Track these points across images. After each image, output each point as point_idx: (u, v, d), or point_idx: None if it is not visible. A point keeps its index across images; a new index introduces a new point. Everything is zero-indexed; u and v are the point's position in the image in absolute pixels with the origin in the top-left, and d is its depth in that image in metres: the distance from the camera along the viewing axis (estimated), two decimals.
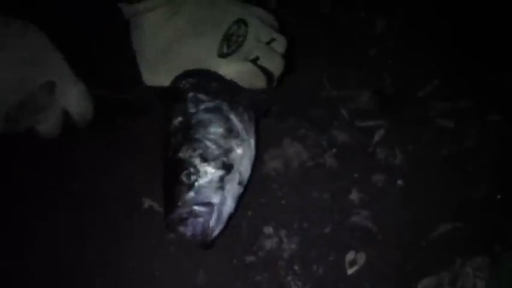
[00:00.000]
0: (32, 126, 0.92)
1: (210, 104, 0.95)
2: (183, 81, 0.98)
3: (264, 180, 1.04)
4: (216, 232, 0.91)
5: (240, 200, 0.96)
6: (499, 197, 0.99)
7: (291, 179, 1.04)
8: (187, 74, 0.98)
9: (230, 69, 0.97)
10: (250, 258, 0.97)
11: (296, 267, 0.96)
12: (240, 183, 0.94)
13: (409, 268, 0.94)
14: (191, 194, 0.90)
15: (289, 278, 0.95)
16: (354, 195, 1.01)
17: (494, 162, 1.03)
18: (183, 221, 0.90)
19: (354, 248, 0.96)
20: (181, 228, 0.90)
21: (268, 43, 1.00)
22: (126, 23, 1.01)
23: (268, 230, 0.99)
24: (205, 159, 0.92)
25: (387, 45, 1.20)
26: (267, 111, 1.06)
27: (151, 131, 1.06)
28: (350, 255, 0.96)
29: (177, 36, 0.98)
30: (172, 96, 0.98)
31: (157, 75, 1.00)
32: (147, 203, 1.03)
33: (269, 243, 0.98)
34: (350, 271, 0.94)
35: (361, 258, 0.95)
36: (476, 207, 0.99)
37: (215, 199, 0.91)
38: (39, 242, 1.01)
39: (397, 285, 0.93)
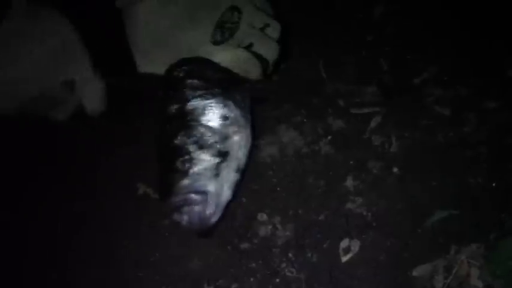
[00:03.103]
0: (45, 114, 0.93)
1: (206, 91, 0.95)
2: (179, 69, 0.98)
3: (259, 167, 1.04)
4: (214, 219, 0.92)
5: (238, 187, 0.96)
6: (494, 185, 0.98)
7: (286, 166, 1.04)
8: (182, 62, 0.98)
9: (224, 57, 0.98)
10: (244, 245, 0.97)
11: (290, 254, 0.95)
12: (237, 170, 0.94)
13: (404, 255, 0.93)
14: (186, 181, 0.90)
15: (284, 265, 0.94)
16: (349, 182, 1.01)
17: (491, 149, 1.02)
18: (179, 208, 0.90)
19: (349, 235, 0.96)
20: (178, 216, 0.90)
21: (262, 29, 0.99)
22: (119, 12, 1.01)
23: (263, 217, 0.99)
24: (200, 146, 0.92)
25: (384, 32, 1.20)
26: (263, 99, 1.06)
27: (148, 118, 1.06)
28: (344, 243, 0.95)
29: (171, 25, 0.98)
30: (168, 83, 0.98)
31: (152, 64, 1.00)
32: (142, 189, 1.03)
33: (263, 230, 0.98)
34: (344, 258, 0.94)
35: (356, 245, 0.95)
36: (473, 195, 0.98)
37: (211, 187, 0.91)
38: (31, 226, 1.01)
39: (392, 272, 0.92)
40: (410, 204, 0.98)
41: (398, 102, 1.09)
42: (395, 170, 1.02)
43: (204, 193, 0.90)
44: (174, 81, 0.97)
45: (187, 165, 0.91)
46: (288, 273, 0.94)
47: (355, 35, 1.18)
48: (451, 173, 1.00)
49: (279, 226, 0.98)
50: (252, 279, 0.94)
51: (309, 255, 0.95)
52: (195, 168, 0.91)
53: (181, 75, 0.97)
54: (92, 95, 0.96)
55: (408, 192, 0.99)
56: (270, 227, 0.98)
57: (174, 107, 0.95)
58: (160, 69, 0.99)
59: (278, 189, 1.02)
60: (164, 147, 0.94)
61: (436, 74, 1.12)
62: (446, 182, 1.00)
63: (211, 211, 0.90)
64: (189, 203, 0.89)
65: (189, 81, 0.96)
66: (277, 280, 0.93)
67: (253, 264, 0.95)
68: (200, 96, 0.94)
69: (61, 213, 1.02)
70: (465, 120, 1.06)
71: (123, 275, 0.96)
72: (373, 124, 1.07)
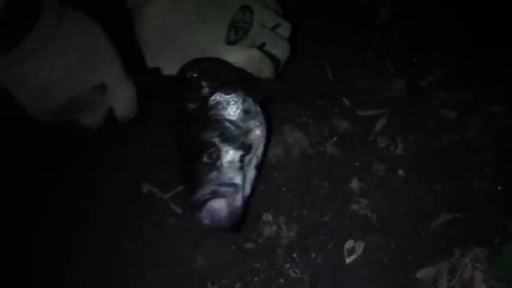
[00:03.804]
0: (76, 119, 0.94)
1: (225, 88, 0.94)
2: (192, 69, 0.97)
3: (265, 168, 1.03)
4: (242, 213, 0.89)
5: (256, 184, 0.95)
6: (499, 188, 0.98)
7: (291, 167, 1.04)
8: (195, 62, 0.97)
9: (238, 56, 0.97)
10: (248, 245, 0.97)
11: (294, 255, 0.95)
12: (256, 167, 0.93)
13: (408, 258, 0.93)
14: (214, 173, 0.89)
15: (288, 265, 0.95)
16: (354, 184, 1.01)
17: (496, 153, 1.02)
18: (206, 202, 0.87)
19: (353, 236, 0.96)
20: (204, 212, 0.87)
21: (273, 28, 1.00)
22: (129, 12, 1.01)
23: (268, 217, 0.99)
24: (225, 140, 0.91)
25: (390, 34, 1.20)
26: (273, 99, 1.07)
27: (155, 117, 1.07)
28: (349, 244, 0.95)
29: (182, 24, 0.97)
30: (182, 83, 0.98)
31: (163, 64, 0.99)
32: (146, 188, 1.03)
33: (268, 231, 0.98)
34: (348, 260, 0.94)
35: (360, 247, 0.95)
36: (477, 199, 0.98)
37: (238, 179, 0.89)
38: (36, 225, 1.01)
39: (395, 274, 0.92)
40: (414, 207, 0.98)
41: (404, 105, 1.09)
42: (400, 172, 1.02)
43: (233, 185, 0.88)
44: (188, 81, 0.96)
45: (214, 156, 0.89)
46: (292, 274, 0.94)
47: (362, 37, 1.19)
48: (456, 176, 1.00)
49: (283, 227, 0.98)
50: (256, 279, 0.94)
51: (313, 256, 0.95)
52: (222, 161, 0.90)
53: (195, 75, 0.96)
54: (123, 100, 0.95)
55: (413, 194, 0.99)
56: (274, 227, 0.98)
57: (192, 105, 0.94)
58: (171, 69, 0.98)
59: (283, 189, 1.02)
60: (187, 145, 0.93)
61: (440, 76, 1.12)
62: (451, 185, 1.00)
63: (240, 204, 0.88)
64: (218, 195, 0.87)
65: (203, 80, 0.95)
66: (281, 280, 0.93)
67: (258, 264, 0.95)
68: (221, 92, 0.94)
69: (64, 213, 1.02)
70: (470, 124, 1.06)
71: (127, 275, 0.97)
72: (378, 126, 1.07)
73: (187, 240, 0.98)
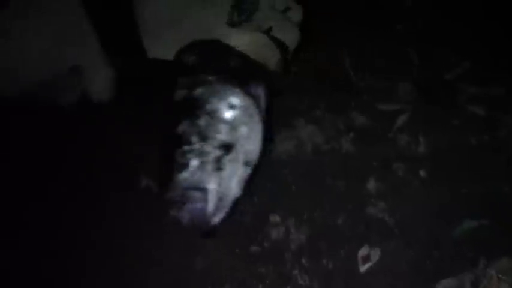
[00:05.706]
0: (49, 99, 0.94)
1: (216, 77, 0.90)
2: (189, 52, 0.94)
3: (273, 164, 0.99)
4: (217, 219, 0.87)
5: (250, 182, 0.91)
6: None
7: (303, 164, 1.00)
8: (194, 45, 0.94)
9: (241, 40, 0.93)
10: (254, 248, 0.93)
11: (304, 260, 0.91)
12: (246, 163, 0.89)
13: (428, 267, 0.89)
14: (184, 174, 0.86)
15: (296, 271, 0.90)
16: (371, 185, 0.97)
17: None
18: (177, 204, 0.86)
19: (368, 242, 0.91)
20: (177, 213, 0.86)
21: (283, 12, 0.96)
22: None
23: (275, 218, 0.95)
24: (203, 137, 0.87)
25: (415, 22, 1.16)
26: (280, 89, 1.02)
27: (155, 105, 1.01)
28: (363, 250, 0.91)
29: (183, 4, 0.95)
30: (178, 67, 0.94)
31: (162, 46, 0.97)
32: (144, 181, 0.98)
33: (276, 233, 0.93)
34: (363, 268, 0.89)
35: (376, 254, 0.90)
36: (505, 204, 0.93)
37: (212, 183, 0.86)
38: (32, 220, 0.97)
39: (414, 285, 0.88)
40: (436, 211, 0.94)
41: (428, 99, 1.05)
42: (421, 173, 0.97)
43: (203, 190, 0.86)
44: (184, 65, 0.93)
45: (187, 156, 0.86)
46: (301, 281, 0.89)
47: (384, 24, 1.15)
48: (483, 179, 0.96)
49: (292, 229, 0.94)
50: (260, 285, 0.90)
51: (324, 262, 0.91)
52: (195, 161, 0.86)
53: (191, 58, 0.93)
54: (99, 82, 0.96)
55: (435, 198, 0.95)
56: (282, 229, 0.94)
57: (180, 93, 0.90)
58: (171, 52, 0.95)
59: (293, 188, 0.98)
60: (167, 136, 0.90)
61: (469, 70, 1.08)
62: (477, 188, 0.95)
63: (213, 210, 0.86)
64: (188, 199, 0.85)
65: (200, 65, 0.92)
66: (288, 287, 0.89)
67: (263, 269, 0.91)
68: (210, 82, 0.90)
69: (58, 209, 0.98)
70: (501, 122, 1.01)
71: (124, 277, 0.92)
72: (399, 122, 1.02)
73: (187, 240, 0.93)
